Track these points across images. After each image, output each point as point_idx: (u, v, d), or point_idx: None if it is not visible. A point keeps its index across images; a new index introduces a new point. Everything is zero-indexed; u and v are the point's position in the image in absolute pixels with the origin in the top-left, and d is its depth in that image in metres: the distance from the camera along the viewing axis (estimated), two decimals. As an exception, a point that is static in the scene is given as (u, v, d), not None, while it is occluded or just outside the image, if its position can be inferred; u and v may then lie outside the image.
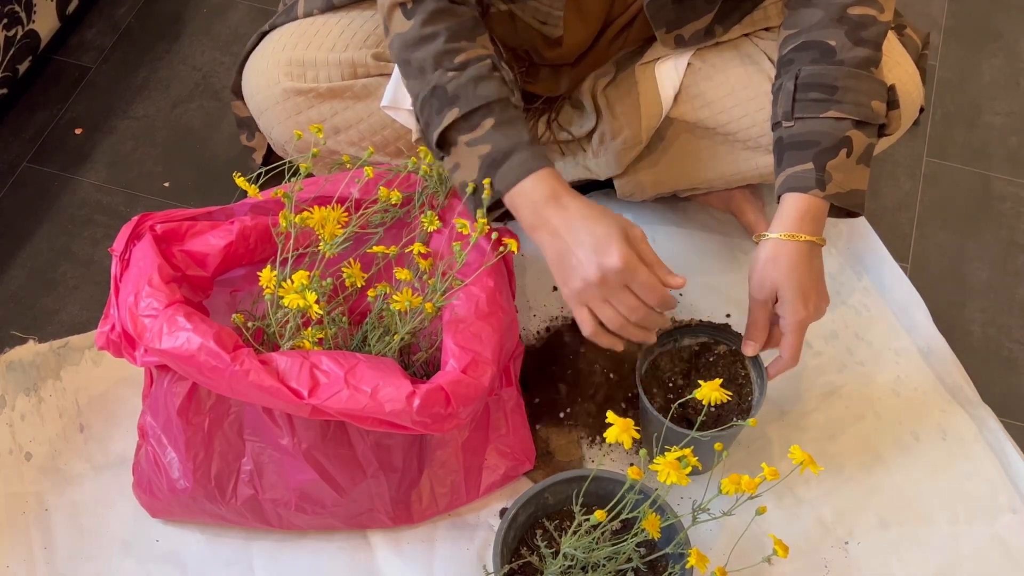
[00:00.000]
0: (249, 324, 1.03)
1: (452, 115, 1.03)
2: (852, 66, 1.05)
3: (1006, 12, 1.67)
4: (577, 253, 1.01)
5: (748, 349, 1.10)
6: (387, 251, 1.03)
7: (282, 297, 0.95)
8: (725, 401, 0.91)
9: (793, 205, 1.05)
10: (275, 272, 0.99)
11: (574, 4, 1.17)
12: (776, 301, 1.06)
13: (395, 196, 1.05)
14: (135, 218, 1.06)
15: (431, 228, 1.04)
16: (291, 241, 1.02)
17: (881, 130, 1.09)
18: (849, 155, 1.05)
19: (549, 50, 1.23)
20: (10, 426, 1.20)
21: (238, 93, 1.31)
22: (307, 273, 0.96)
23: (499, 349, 1.02)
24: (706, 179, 1.28)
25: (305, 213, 1.03)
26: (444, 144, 1.06)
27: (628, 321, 1.02)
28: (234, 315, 1.03)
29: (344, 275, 1.03)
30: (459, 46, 1.05)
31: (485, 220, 1.03)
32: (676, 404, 1.11)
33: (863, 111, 1.05)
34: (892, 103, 1.08)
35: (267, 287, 0.99)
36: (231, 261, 1.10)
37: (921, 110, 1.49)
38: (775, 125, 1.09)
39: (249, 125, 1.35)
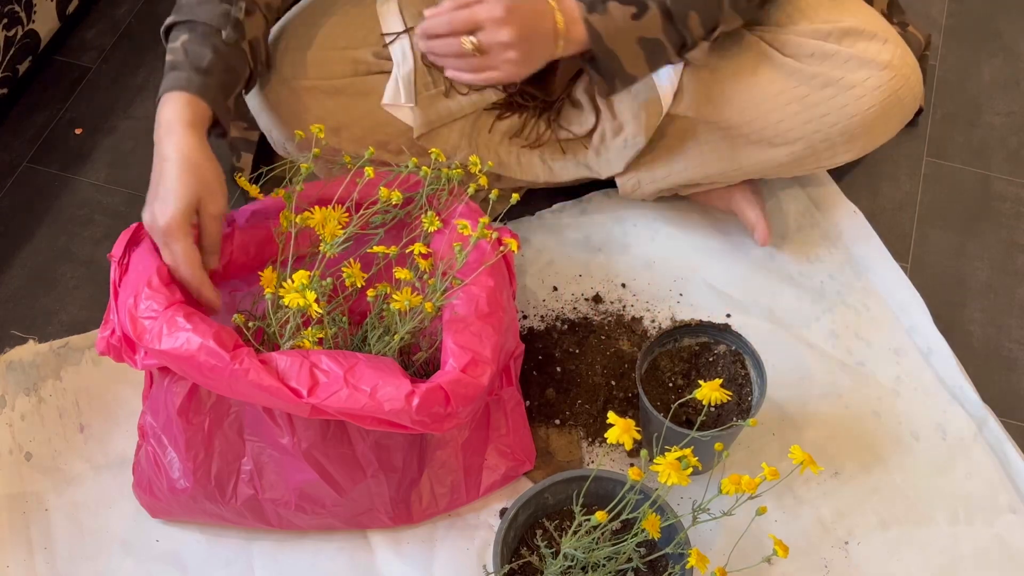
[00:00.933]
0: (250, 324, 1.03)
1: (168, 21, 1.10)
2: None
3: (1006, 12, 1.67)
4: (153, 188, 1.03)
5: None
6: (387, 251, 1.03)
7: (282, 297, 0.95)
8: (725, 401, 0.91)
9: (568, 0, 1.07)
10: (276, 272, 0.99)
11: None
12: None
13: (395, 196, 1.06)
14: (133, 225, 1.06)
15: (432, 228, 1.04)
16: (291, 241, 1.03)
17: (682, 49, 1.11)
18: (635, 18, 1.07)
19: (537, 86, 1.24)
20: (10, 426, 1.20)
21: None
22: (307, 273, 0.96)
23: (499, 349, 1.02)
24: (708, 175, 1.28)
25: (306, 213, 1.03)
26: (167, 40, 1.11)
27: (178, 268, 1.03)
28: (235, 315, 1.03)
29: (344, 275, 1.03)
30: None
31: (487, 221, 1.03)
32: (676, 404, 1.11)
33: (677, 7, 1.07)
34: (708, 34, 1.11)
35: (267, 287, 0.99)
36: (232, 273, 1.10)
37: (920, 111, 1.49)
38: None
39: (236, 146, 1.37)
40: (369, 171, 1.06)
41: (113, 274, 1.04)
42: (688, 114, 1.23)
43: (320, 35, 1.21)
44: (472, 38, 1.04)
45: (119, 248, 1.05)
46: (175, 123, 1.03)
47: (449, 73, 1.08)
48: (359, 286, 1.03)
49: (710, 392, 0.89)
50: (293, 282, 0.95)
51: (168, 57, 1.08)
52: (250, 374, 0.93)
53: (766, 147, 1.22)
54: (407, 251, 1.06)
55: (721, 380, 0.91)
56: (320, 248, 1.01)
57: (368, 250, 1.05)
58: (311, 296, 0.95)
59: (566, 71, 1.27)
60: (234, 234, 1.10)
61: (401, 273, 1.01)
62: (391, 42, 1.21)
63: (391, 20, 1.22)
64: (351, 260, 1.04)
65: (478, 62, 1.05)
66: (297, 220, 1.02)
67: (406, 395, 0.94)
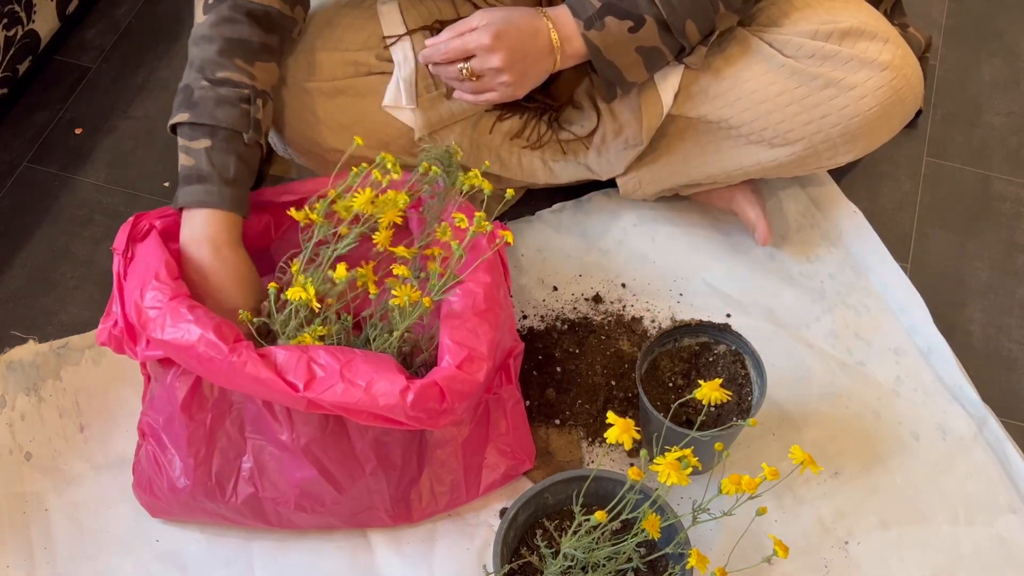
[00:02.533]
0: (254, 320, 1.03)
1: (182, 117, 1.09)
2: None
3: (1006, 12, 1.67)
4: (220, 304, 1.06)
5: None
6: (407, 253, 1.02)
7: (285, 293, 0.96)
8: (725, 401, 0.91)
9: (563, 15, 1.11)
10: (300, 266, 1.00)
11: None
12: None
13: (402, 199, 1.05)
14: (132, 217, 1.07)
15: (444, 238, 1.04)
16: (313, 237, 1.03)
17: (680, 54, 1.15)
18: (632, 31, 1.10)
19: (543, 92, 1.26)
20: (10, 426, 1.20)
21: None
22: (345, 265, 0.99)
23: (495, 345, 1.02)
24: (709, 174, 1.28)
25: (350, 198, 1.03)
26: (175, 132, 1.11)
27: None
28: (241, 312, 1.03)
29: (357, 276, 1.03)
30: (227, 63, 1.10)
31: (484, 215, 1.04)
32: (676, 404, 1.11)
33: (674, 18, 1.10)
34: (705, 40, 1.14)
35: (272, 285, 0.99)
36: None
37: (919, 113, 1.49)
38: None
39: None
40: (355, 170, 1.06)
41: (116, 266, 1.05)
42: (689, 115, 1.23)
43: (321, 37, 1.21)
44: (466, 65, 1.10)
45: (121, 240, 1.06)
46: (222, 244, 1.06)
47: (455, 95, 1.15)
48: (371, 291, 1.02)
49: (710, 392, 0.89)
50: (330, 272, 0.97)
51: (187, 161, 1.08)
52: (247, 367, 0.94)
53: (767, 147, 1.22)
54: (418, 252, 1.06)
55: (721, 380, 0.91)
56: (375, 239, 1.02)
57: (379, 249, 1.05)
58: (311, 290, 0.95)
59: (571, 79, 1.27)
60: None
61: (399, 269, 1.01)
62: (392, 44, 1.21)
63: (392, 22, 1.22)
64: (364, 261, 1.05)
65: (475, 85, 1.12)
66: (350, 204, 1.02)
67: (401, 390, 0.94)
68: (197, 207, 1.07)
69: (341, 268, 0.99)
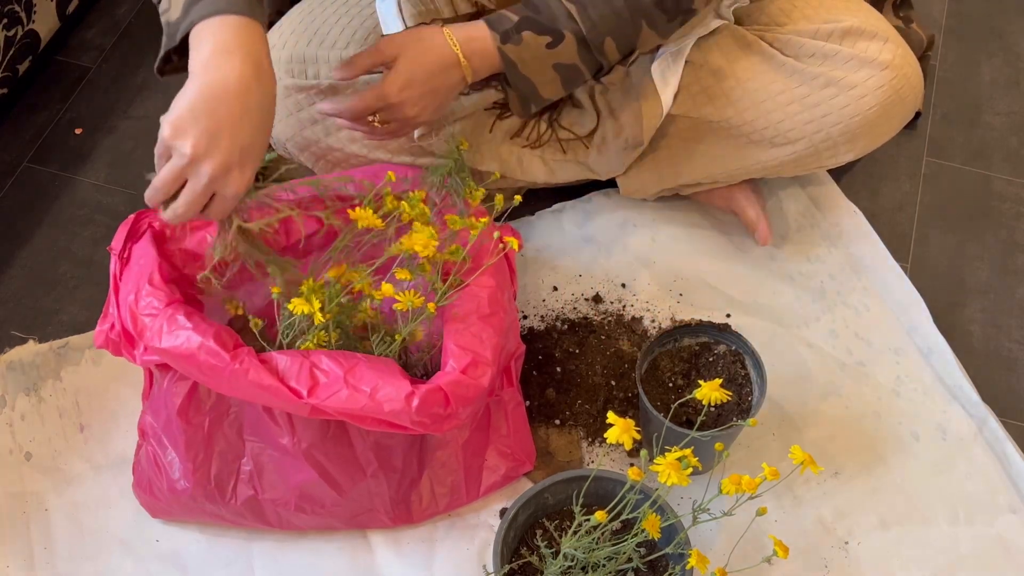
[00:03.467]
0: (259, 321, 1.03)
1: None
2: (633, 7, 1.05)
3: (1006, 12, 1.67)
4: (222, 126, 0.87)
5: None
6: (425, 252, 1.00)
7: (290, 302, 0.96)
8: (725, 401, 0.91)
9: (472, 30, 1.05)
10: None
11: None
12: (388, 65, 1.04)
13: (412, 201, 1.05)
14: (132, 216, 1.06)
15: (456, 228, 1.03)
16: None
17: (599, 72, 1.10)
18: (550, 47, 1.06)
19: None
20: (10, 426, 1.20)
21: None
22: (340, 267, 0.96)
23: (499, 350, 1.02)
24: (709, 174, 1.28)
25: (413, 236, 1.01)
26: None
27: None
28: (251, 319, 1.02)
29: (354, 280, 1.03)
30: None
31: (479, 189, 1.04)
32: (676, 404, 1.11)
33: (594, 35, 1.06)
34: (625, 59, 1.10)
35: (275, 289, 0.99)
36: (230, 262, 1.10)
37: (919, 114, 1.49)
38: None
39: None
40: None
41: (113, 267, 1.04)
42: (690, 114, 1.23)
43: (318, 34, 1.21)
44: (374, 117, 1.05)
45: (119, 240, 1.05)
46: (257, 55, 0.88)
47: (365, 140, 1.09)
48: (377, 298, 1.01)
49: (710, 392, 0.89)
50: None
51: None
52: (250, 374, 0.93)
53: (767, 147, 1.22)
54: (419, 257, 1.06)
55: (721, 380, 0.91)
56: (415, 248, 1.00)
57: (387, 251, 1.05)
58: (316, 303, 0.95)
59: None
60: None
61: (401, 274, 1.01)
62: None
63: (390, 21, 1.21)
64: (361, 266, 1.05)
65: (389, 129, 1.07)
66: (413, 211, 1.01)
67: (406, 396, 0.94)
68: (217, 16, 0.87)
69: (335, 271, 0.98)
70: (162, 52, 0.93)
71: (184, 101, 0.87)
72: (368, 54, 1.05)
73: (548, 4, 1.05)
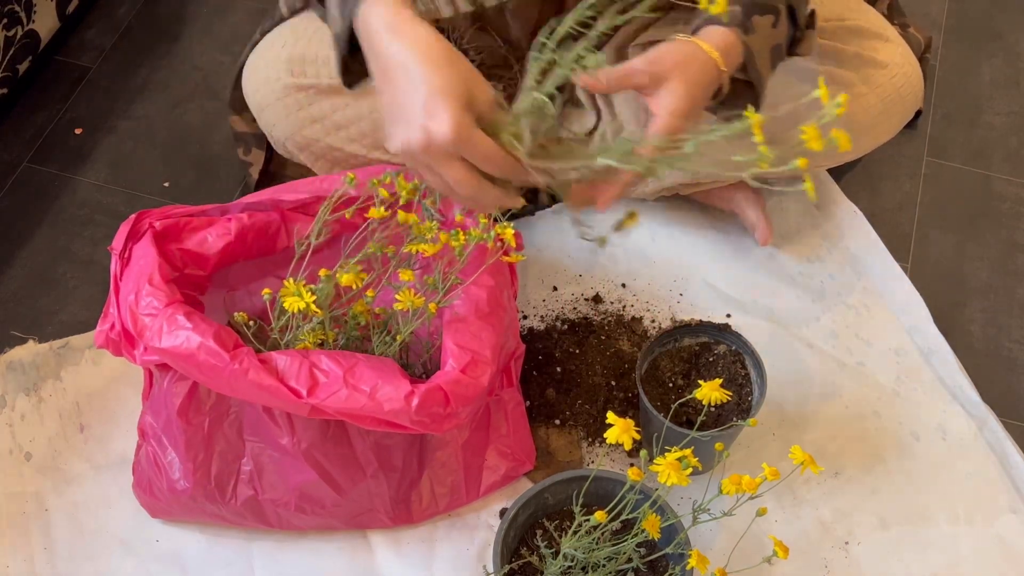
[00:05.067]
0: (250, 323, 1.03)
1: None
2: None
3: (1006, 12, 1.67)
4: (405, 106, 0.85)
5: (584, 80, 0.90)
6: (425, 249, 1.01)
7: (283, 299, 0.96)
8: (725, 401, 0.91)
9: (711, 34, 0.94)
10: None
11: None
12: (649, 90, 0.93)
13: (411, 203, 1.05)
14: (133, 215, 1.06)
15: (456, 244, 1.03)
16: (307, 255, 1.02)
17: (793, 46, 1.03)
18: (774, 26, 0.98)
19: None
20: (10, 426, 1.20)
21: (235, 108, 1.31)
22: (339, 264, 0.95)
23: (499, 349, 1.02)
24: (710, 173, 1.28)
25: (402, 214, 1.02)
26: None
27: (456, 192, 0.87)
28: (237, 313, 1.03)
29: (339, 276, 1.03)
30: None
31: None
32: (676, 404, 1.11)
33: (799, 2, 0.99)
34: (811, 23, 1.03)
35: (267, 291, 0.99)
36: (228, 259, 1.10)
37: (919, 113, 1.49)
38: None
39: (246, 140, 1.35)
40: (350, 175, 1.05)
41: (113, 267, 1.04)
42: (689, 113, 1.22)
43: (318, 33, 1.21)
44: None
45: (119, 240, 1.05)
46: (399, 22, 0.86)
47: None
48: (368, 293, 1.02)
49: (710, 392, 0.89)
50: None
51: None
52: (249, 374, 0.94)
53: (770, 144, 1.21)
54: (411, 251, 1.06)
55: (721, 380, 0.91)
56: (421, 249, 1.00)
57: (382, 251, 1.05)
58: (309, 297, 0.95)
59: None
60: (231, 221, 1.10)
61: (405, 274, 1.01)
62: None
63: None
64: (350, 263, 1.04)
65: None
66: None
67: (405, 395, 0.94)
68: (359, 3, 0.88)
69: (345, 277, 0.98)
70: (338, 64, 0.93)
71: (384, 112, 0.87)
72: (630, 73, 0.91)
73: None
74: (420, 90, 0.82)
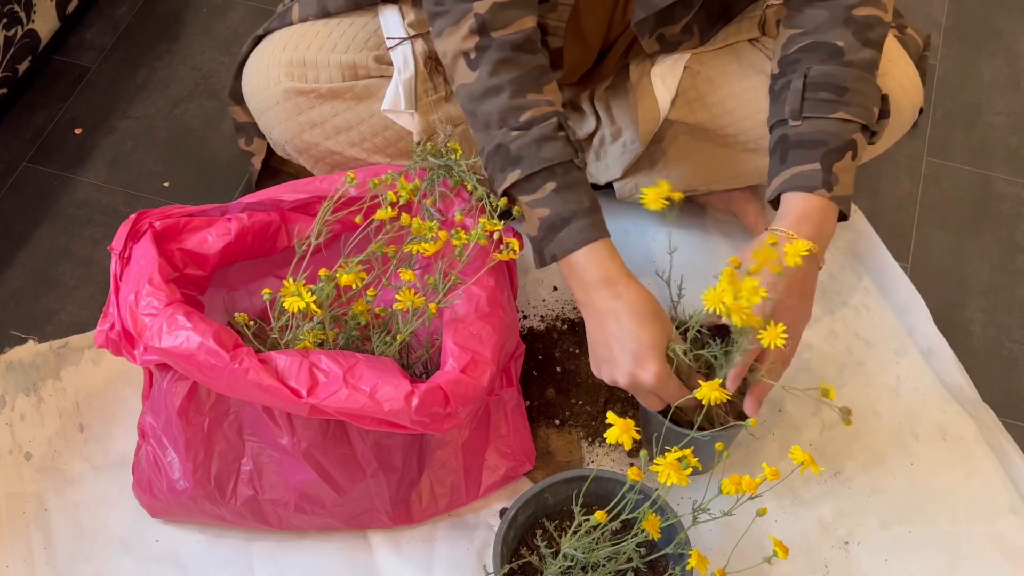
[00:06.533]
0: (250, 323, 1.03)
1: (514, 176, 1.02)
2: (860, 68, 1.04)
3: (1006, 12, 1.67)
4: (615, 351, 1.02)
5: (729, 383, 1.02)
6: (424, 248, 1.01)
7: (282, 299, 0.96)
8: (725, 401, 0.91)
9: (796, 204, 1.03)
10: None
11: (573, 27, 1.17)
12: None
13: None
14: (133, 215, 1.06)
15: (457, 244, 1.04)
16: (306, 258, 1.02)
17: (872, 137, 1.08)
18: (854, 158, 1.04)
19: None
20: (10, 426, 1.20)
21: (235, 98, 1.31)
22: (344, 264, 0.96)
23: (499, 349, 1.02)
24: (706, 180, 1.28)
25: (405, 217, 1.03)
26: (509, 199, 1.05)
27: (642, 402, 1.06)
28: (237, 313, 1.03)
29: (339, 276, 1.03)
30: (525, 102, 1.03)
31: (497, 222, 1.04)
32: (676, 404, 1.10)
33: (868, 115, 1.04)
34: (884, 112, 1.07)
35: (268, 292, 0.99)
36: (228, 259, 1.10)
37: (921, 111, 1.49)
38: (778, 123, 1.07)
39: (247, 130, 1.35)
40: (350, 175, 1.05)
41: (113, 267, 1.04)
42: (686, 120, 1.23)
43: (318, 38, 1.21)
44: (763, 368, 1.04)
45: (119, 240, 1.05)
46: (614, 279, 1.01)
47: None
48: (369, 293, 1.02)
49: (710, 392, 0.89)
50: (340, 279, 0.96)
51: (542, 212, 1.02)
52: (249, 374, 0.93)
53: (763, 155, 1.21)
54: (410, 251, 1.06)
55: (721, 380, 0.91)
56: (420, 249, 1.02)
57: (383, 251, 1.05)
58: (308, 296, 0.95)
59: (581, 89, 1.28)
60: (231, 221, 1.10)
61: (406, 274, 1.01)
62: (393, 48, 1.21)
63: (392, 26, 1.21)
64: (348, 262, 1.04)
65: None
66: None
67: (405, 395, 0.94)
68: (573, 251, 1.01)
69: (347, 277, 0.98)
70: (534, 256, 1.06)
71: (592, 344, 1.06)
72: (752, 353, 1.02)
73: (827, 129, 1.03)
74: (630, 341, 1.00)
